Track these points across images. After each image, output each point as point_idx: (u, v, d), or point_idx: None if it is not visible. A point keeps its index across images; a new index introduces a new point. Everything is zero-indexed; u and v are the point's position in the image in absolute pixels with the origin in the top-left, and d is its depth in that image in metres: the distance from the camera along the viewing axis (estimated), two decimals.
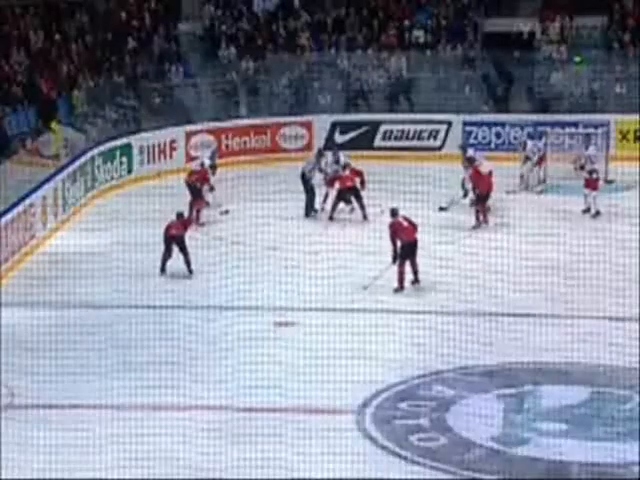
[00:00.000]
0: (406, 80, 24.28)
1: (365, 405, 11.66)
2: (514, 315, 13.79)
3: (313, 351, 12.16)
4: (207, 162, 19.42)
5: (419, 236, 15.30)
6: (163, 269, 15.96)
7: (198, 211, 18.45)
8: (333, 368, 11.74)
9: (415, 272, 15.19)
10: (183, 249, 15.94)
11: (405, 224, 15.29)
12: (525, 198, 19.54)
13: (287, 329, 13.68)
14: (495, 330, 12.83)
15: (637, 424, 11.01)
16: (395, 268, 15.11)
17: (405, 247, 15.12)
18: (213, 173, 19.14)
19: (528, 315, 13.81)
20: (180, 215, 16.28)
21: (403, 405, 11.69)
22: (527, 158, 20.61)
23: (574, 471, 10.28)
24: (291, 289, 14.46)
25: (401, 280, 15.09)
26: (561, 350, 12.50)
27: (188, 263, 15.92)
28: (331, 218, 18.76)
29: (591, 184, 18.80)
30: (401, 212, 15.48)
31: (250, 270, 14.88)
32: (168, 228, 16.00)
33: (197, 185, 18.63)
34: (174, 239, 15.91)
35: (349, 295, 14.67)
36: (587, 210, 18.71)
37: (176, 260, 15.95)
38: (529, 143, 20.80)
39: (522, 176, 20.48)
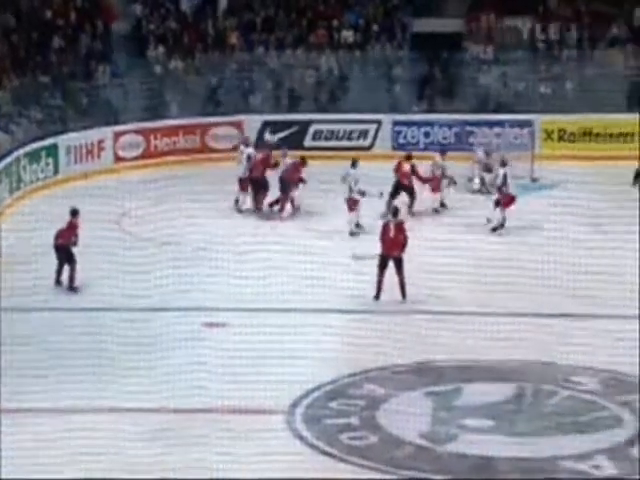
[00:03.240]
0: (336, 80, 24.39)
1: (295, 405, 11.68)
2: (442, 313, 13.95)
3: (243, 352, 12.15)
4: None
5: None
6: (58, 281, 15.27)
7: (292, 201, 18.89)
8: (263, 368, 11.79)
9: (401, 286, 14.51)
10: (70, 260, 15.16)
11: (391, 234, 14.55)
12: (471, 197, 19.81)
13: (217, 330, 13.62)
14: (424, 328, 12.96)
15: (561, 419, 11.22)
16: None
17: (382, 258, 14.51)
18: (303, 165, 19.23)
19: (456, 313, 13.98)
20: (74, 212, 15.49)
21: (333, 404, 11.74)
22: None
23: (501, 466, 10.41)
24: (221, 289, 14.41)
25: (378, 289, 14.55)
26: (487, 347, 12.68)
27: (72, 278, 15.11)
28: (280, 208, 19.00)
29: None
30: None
31: (180, 271, 14.76)
32: (57, 236, 15.30)
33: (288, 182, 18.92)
34: (60, 249, 15.18)
35: (279, 295, 14.64)
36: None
37: (101, 262, 15.69)
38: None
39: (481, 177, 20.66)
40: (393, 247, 14.58)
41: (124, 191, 18.55)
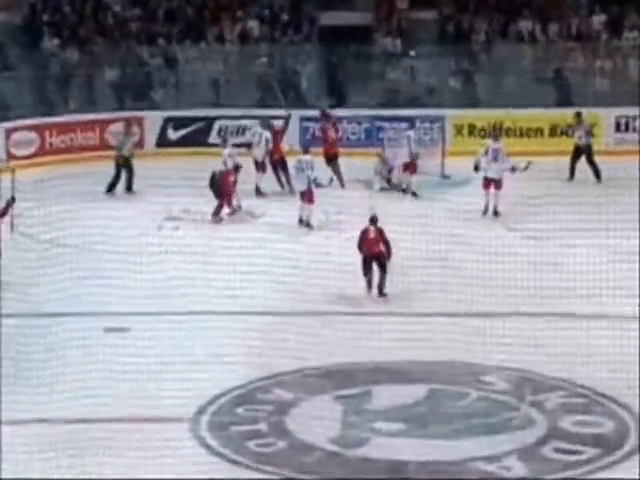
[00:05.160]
0: (242, 74, 24.02)
1: (201, 412, 11.35)
2: (350, 314, 13.79)
3: (147, 357, 11.75)
4: (229, 163, 18.78)
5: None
6: None
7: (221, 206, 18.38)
8: (168, 374, 11.45)
9: (379, 285, 14.50)
10: None
11: (372, 235, 14.63)
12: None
13: (119, 335, 13.16)
14: (333, 330, 12.78)
15: (472, 420, 11.11)
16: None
17: (366, 259, 14.54)
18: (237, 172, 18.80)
19: (365, 314, 13.83)
20: None
21: (240, 410, 11.44)
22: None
23: (411, 470, 10.27)
24: (123, 293, 13.94)
25: (368, 286, 14.53)
26: (398, 349, 12.50)
27: None
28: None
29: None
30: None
31: (79, 274, 14.26)
32: None
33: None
34: None
35: (186, 297, 14.21)
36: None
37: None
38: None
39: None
40: (371, 245, 14.58)
41: (18, 191, 17.96)
